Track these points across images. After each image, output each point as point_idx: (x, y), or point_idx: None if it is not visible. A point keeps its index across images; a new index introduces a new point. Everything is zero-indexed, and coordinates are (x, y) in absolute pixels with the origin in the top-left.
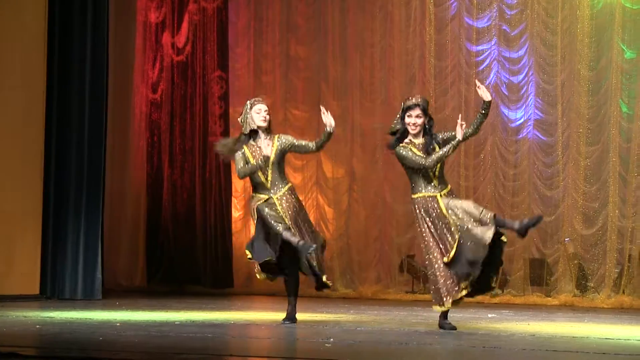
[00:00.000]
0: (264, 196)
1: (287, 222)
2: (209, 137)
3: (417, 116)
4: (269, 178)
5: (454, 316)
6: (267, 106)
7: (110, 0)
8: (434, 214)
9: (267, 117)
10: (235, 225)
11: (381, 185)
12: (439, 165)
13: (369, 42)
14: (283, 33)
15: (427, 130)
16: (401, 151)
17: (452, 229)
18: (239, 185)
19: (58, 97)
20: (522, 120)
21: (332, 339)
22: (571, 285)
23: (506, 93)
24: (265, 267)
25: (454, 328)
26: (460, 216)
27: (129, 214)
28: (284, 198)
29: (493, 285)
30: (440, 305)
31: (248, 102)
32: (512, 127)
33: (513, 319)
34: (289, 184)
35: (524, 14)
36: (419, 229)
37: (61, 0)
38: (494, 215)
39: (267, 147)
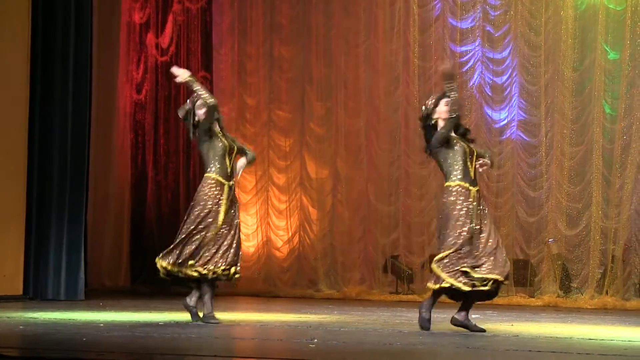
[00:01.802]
0: None
1: None
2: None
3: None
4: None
5: (438, 317)
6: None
7: (94, 1)
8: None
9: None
10: None
11: (365, 186)
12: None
13: (353, 43)
14: (267, 34)
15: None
16: None
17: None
18: None
19: (41, 97)
20: (505, 121)
21: (315, 340)
22: (555, 286)
23: (490, 94)
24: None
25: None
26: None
27: (112, 215)
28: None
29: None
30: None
31: None
32: (496, 128)
33: (497, 320)
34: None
35: (507, 15)
36: None
37: (44, 1)
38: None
39: None
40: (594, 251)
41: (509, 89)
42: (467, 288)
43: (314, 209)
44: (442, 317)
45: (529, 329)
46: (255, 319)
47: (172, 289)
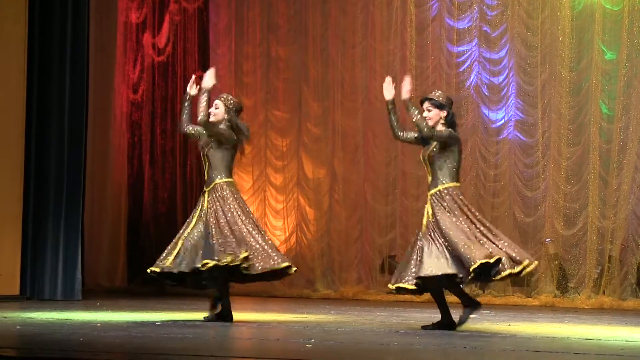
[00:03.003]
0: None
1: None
2: (189, 138)
3: (426, 109)
4: (206, 169)
5: (434, 316)
6: (218, 100)
7: (90, 1)
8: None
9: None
10: None
11: (362, 186)
12: (428, 162)
13: (350, 42)
14: (264, 34)
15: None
16: None
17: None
18: None
19: (38, 97)
20: (502, 121)
21: (312, 340)
22: (552, 286)
23: (487, 94)
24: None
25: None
26: (434, 242)
27: (109, 214)
28: (212, 193)
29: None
30: None
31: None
32: (493, 128)
33: (494, 320)
34: (221, 180)
35: (504, 15)
36: None
37: (41, 1)
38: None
39: None
40: (591, 251)
41: (505, 89)
42: None
43: (311, 209)
44: (440, 317)
45: (525, 329)
46: (252, 319)
47: (169, 289)
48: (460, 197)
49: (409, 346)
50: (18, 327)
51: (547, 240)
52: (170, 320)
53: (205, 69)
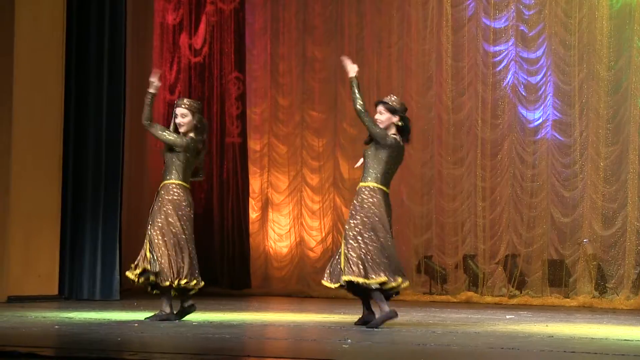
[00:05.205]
0: None
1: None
2: (226, 138)
3: (379, 112)
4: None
5: (472, 317)
6: (187, 108)
7: (127, 2)
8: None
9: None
10: (253, 227)
11: (398, 186)
12: (363, 156)
13: (385, 42)
14: (300, 34)
15: (402, 133)
16: None
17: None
18: (256, 187)
19: (76, 98)
20: (540, 120)
21: (349, 340)
22: (590, 287)
23: (524, 93)
24: None
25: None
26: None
27: (146, 215)
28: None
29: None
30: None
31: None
32: (530, 128)
33: (531, 320)
34: (168, 180)
35: (541, 14)
36: None
37: (79, 3)
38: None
39: None
40: (630, 252)
41: (543, 89)
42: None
43: (347, 210)
44: (477, 318)
45: (563, 329)
46: (289, 319)
47: (206, 289)
48: (373, 199)
49: (446, 347)
50: (57, 326)
51: (585, 240)
52: (207, 321)
53: (241, 69)
